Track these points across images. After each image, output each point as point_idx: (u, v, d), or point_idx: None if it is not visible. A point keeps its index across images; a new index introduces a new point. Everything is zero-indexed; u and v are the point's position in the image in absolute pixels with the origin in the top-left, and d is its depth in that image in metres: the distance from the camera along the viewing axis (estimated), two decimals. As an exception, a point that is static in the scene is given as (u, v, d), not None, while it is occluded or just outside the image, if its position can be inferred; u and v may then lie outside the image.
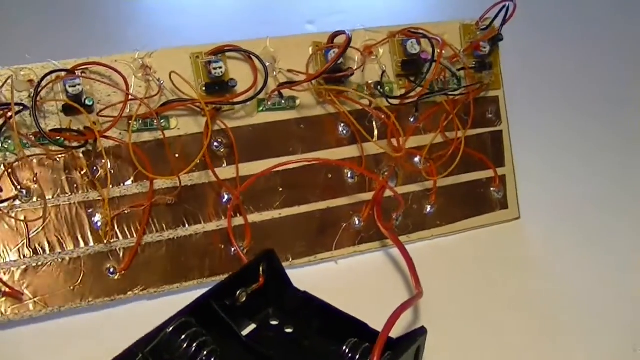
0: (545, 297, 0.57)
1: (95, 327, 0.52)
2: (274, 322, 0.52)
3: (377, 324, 0.48)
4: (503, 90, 0.65)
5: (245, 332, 0.51)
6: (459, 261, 0.61)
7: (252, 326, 0.52)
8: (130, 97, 0.52)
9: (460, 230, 0.64)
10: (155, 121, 0.54)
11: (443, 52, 0.60)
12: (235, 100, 0.55)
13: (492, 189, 0.65)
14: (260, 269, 0.52)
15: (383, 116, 0.59)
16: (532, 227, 0.65)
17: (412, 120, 0.62)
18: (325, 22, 0.56)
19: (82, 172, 0.52)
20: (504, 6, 0.60)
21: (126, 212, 0.53)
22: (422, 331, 0.48)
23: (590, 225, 0.65)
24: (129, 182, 0.54)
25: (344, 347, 0.48)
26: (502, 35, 0.62)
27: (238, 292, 0.51)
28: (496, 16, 0.62)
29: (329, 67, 0.55)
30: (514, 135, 0.66)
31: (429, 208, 0.62)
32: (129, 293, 0.53)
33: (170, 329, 0.46)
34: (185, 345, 0.46)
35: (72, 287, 0.52)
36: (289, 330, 0.52)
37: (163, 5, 1.10)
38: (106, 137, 0.51)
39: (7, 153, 0.51)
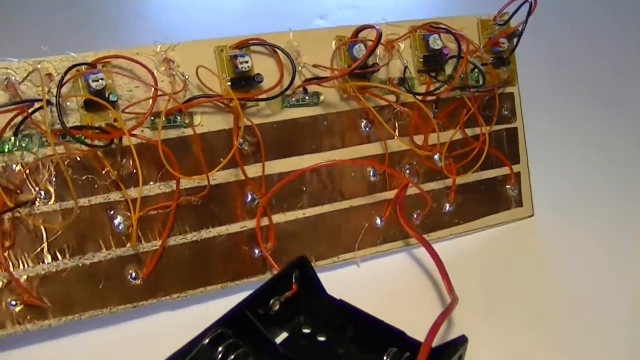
0: (559, 296, 0.55)
1: (121, 340, 0.49)
2: (307, 330, 0.49)
3: (407, 330, 0.46)
4: (518, 86, 0.63)
5: (277, 341, 0.47)
6: (476, 261, 0.58)
7: (284, 334, 0.49)
8: (158, 92, 0.48)
9: (477, 228, 0.61)
10: (180, 117, 0.50)
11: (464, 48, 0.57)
12: (263, 96, 0.51)
13: (507, 186, 0.62)
14: (293, 276, 0.49)
15: (410, 112, 0.56)
16: (546, 224, 0.63)
17: (431, 116, 0.58)
18: (336, 17, 0.53)
19: (104, 172, 0.48)
20: (524, 1, 0.58)
21: (150, 213, 0.49)
22: (463, 340, 0.46)
23: (603, 222, 0.63)
24: (151, 182, 0.49)
25: (385, 357, 0.46)
26: (520, 31, 0.60)
27: (271, 301, 0.47)
28: (515, 12, 0.60)
29: (360, 64, 0.52)
30: (527, 132, 0.63)
31: (447, 206, 0.60)
32: (151, 299, 0.49)
33: (207, 340, 0.43)
34: (221, 357, 0.43)
35: (93, 294, 0.48)
36: (321, 339, 0.48)
37: (167, 3, 1.06)
38: (134, 136, 0.47)
39: (25, 152, 0.46)
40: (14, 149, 0.45)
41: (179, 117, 0.50)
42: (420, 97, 0.56)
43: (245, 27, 0.54)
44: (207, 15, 0.94)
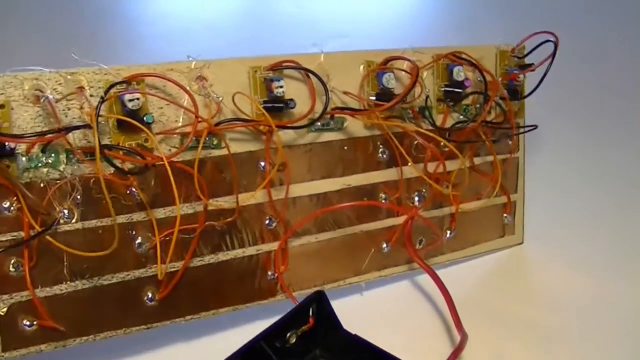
0: (547, 324, 0.54)
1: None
2: (322, 364, 0.48)
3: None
4: (524, 118, 0.62)
5: (293, 374, 0.47)
6: (467, 288, 0.58)
7: (300, 368, 0.48)
8: (193, 116, 0.45)
9: (471, 255, 0.61)
10: (208, 138, 0.47)
11: (480, 79, 0.56)
12: (296, 124, 0.49)
13: (504, 215, 0.62)
14: (310, 310, 0.47)
15: (429, 145, 0.54)
16: (534, 252, 0.63)
17: (441, 144, 0.57)
18: (329, 47, 0.51)
19: (128, 192, 0.45)
20: (545, 40, 0.56)
21: (170, 235, 0.46)
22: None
23: (589, 252, 0.63)
24: (174, 205, 0.46)
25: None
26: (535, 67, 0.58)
27: (288, 334, 0.46)
28: (534, 49, 0.58)
29: (397, 102, 0.50)
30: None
31: (448, 233, 0.59)
32: (164, 321, 0.47)
33: (223, 373, 0.42)
34: (237, 390, 0.42)
35: (108, 315, 0.45)
36: (336, 372, 0.48)
37: (169, 32, 1.03)
38: (172, 163, 0.44)
39: (51, 169, 0.42)
40: (40, 166, 0.42)
41: (207, 138, 0.47)
42: (444, 135, 0.55)
43: (242, 50, 0.52)
44: (197, 42, 0.92)
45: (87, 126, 0.41)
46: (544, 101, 0.59)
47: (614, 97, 0.91)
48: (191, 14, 1.21)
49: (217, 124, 0.46)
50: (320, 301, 0.48)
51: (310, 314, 0.47)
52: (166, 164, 0.42)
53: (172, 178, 0.43)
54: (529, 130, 0.58)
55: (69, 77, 0.42)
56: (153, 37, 1.06)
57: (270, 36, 0.98)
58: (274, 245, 0.51)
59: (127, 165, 0.44)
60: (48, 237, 0.42)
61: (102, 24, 1.05)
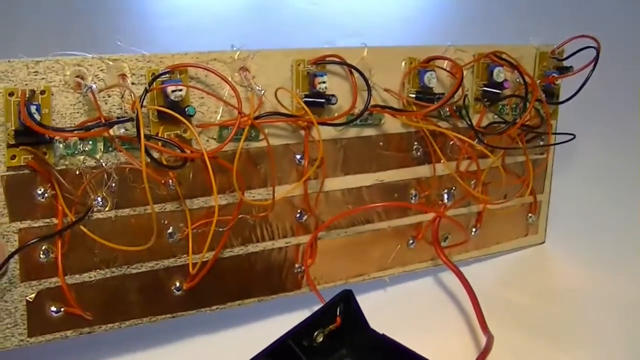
0: (565, 322, 0.53)
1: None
2: (349, 363, 0.46)
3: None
4: (557, 120, 0.59)
5: (319, 373, 0.45)
6: (489, 285, 0.56)
7: (326, 367, 0.46)
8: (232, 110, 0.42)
9: (494, 253, 0.59)
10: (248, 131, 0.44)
11: (518, 79, 0.53)
12: (337, 122, 0.46)
13: (529, 215, 0.60)
14: (338, 309, 0.45)
15: (463, 145, 0.52)
16: (555, 252, 0.61)
17: (475, 141, 0.54)
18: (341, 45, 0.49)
19: (163, 182, 0.43)
20: (586, 47, 0.53)
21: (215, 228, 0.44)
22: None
23: (608, 252, 0.61)
24: (207, 196, 0.44)
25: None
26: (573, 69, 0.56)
27: (315, 333, 0.44)
28: (574, 53, 0.56)
29: (441, 106, 0.48)
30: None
31: (473, 231, 0.57)
32: (191, 311, 0.45)
33: (251, 372, 0.40)
34: (265, 388, 0.40)
35: (135, 303, 0.43)
36: (363, 372, 0.46)
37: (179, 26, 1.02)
38: (212, 158, 0.41)
39: (87, 157, 0.40)
40: (76, 153, 0.40)
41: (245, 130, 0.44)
42: (482, 142, 0.52)
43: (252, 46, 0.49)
44: (214, 31, 0.90)
45: (130, 120, 0.38)
46: (575, 103, 0.56)
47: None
48: (201, 8, 1.18)
49: (256, 117, 0.44)
50: (347, 300, 0.46)
51: (338, 313, 0.46)
52: (207, 159, 0.40)
53: (211, 174, 0.40)
54: (566, 141, 0.55)
55: (111, 63, 0.40)
56: (163, 30, 1.04)
57: (282, 32, 0.96)
58: (303, 239, 0.49)
59: (165, 157, 0.41)
60: (81, 227, 0.40)
61: (111, 17, 1.03)
